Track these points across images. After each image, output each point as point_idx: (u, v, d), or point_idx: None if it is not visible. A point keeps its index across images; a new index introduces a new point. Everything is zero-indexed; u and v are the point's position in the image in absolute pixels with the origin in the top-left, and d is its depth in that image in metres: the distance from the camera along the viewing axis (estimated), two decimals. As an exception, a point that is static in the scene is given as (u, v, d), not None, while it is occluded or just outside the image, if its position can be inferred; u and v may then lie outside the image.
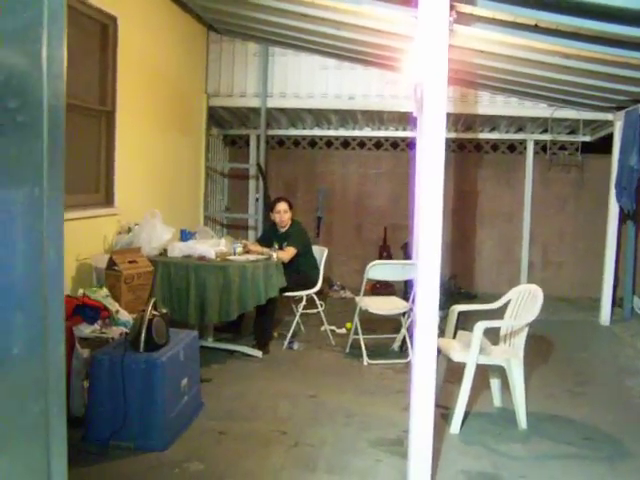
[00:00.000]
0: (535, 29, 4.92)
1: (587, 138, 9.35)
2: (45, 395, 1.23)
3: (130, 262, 5.53)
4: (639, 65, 5.42)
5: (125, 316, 5.01)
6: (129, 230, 6.18)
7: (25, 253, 1.18)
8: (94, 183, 6.14)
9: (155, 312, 4.33)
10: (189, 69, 8.22)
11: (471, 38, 5.68)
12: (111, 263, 5.44)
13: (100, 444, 4.05)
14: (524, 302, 4.89)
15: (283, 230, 6.93)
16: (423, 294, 3.40)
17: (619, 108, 7.79)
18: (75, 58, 5.56)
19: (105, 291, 5.14)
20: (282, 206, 6.90)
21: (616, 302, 8.59)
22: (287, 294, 6.61)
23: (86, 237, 5.69)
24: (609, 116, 8.25)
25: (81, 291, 4.97)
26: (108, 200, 6.23)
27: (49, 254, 1.20)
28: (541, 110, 8.55)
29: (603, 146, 8.86)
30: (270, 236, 7.02)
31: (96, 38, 6.01)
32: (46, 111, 1.18)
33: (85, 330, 4.66)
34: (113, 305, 5.02)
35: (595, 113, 8.34)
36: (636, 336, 7.37)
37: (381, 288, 9.10)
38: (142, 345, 4.14)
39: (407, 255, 8.77)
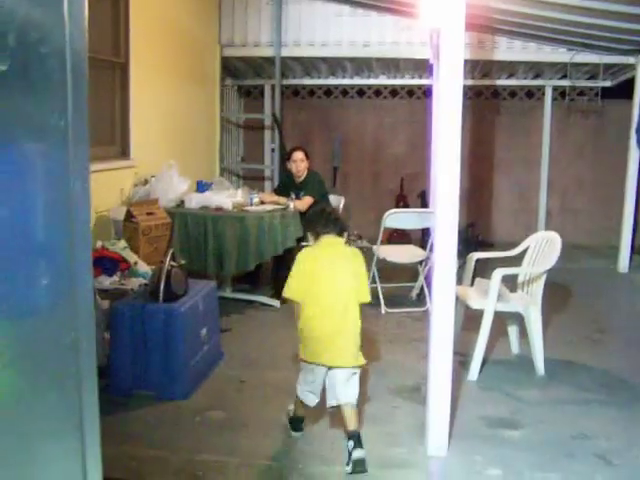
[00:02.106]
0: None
1: (607, 83, 9.17)
2: (76, 344, 1.24)
3: (148, 214, 5.54)
4: (662, 5, 5.31)
5: (144, 267, 5.05)
6: (146, 182, 6.19)
7: (51, 185, 1.18)
8: (109, 135, 6.13)
9: (173, 263, 4.35)
10: (202, 19, 8.13)
11: (489, -19, 5.57)
12: (129, 215, 5.46)
13: (123, 394, 4.12)
14: (542, 249, 4.87)
15: (300, 179, 6.89)
16: (441, 242, 3.39)
17: (640, 51, 7.64)
18: (88, 9, 5.51)
19: (123, 243, 5.17)
20: (299, 155, 6.86)
21: (635, 249, 8.54)
22: (304, 244, 6.60)
23: (103, 190, 5.70)
24: (631, 59, 8.07)
25: (100, 243, 5.00)
26: (124, 152, 6.23)
27: (74, 186, 1.20)
28: (560, 55, 8.39)
29: (624, 91, 8.71)
30: (287, 185, 6.99)
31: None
32: (69, 54, 1.17)
33: (105, 282, 4.71)
34: (132, 257, 5.05)
35: (616, 57, 8.16)
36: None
37: (398, 237, 9.06)
38: (161, 295, 4.17)
39: (424, 203, 8.74)
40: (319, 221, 3.62)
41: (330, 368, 3.41)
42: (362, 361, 3.46)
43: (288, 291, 3.63)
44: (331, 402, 3.44)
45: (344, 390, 3.40)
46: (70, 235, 1.21)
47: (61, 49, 1.16)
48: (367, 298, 3.58)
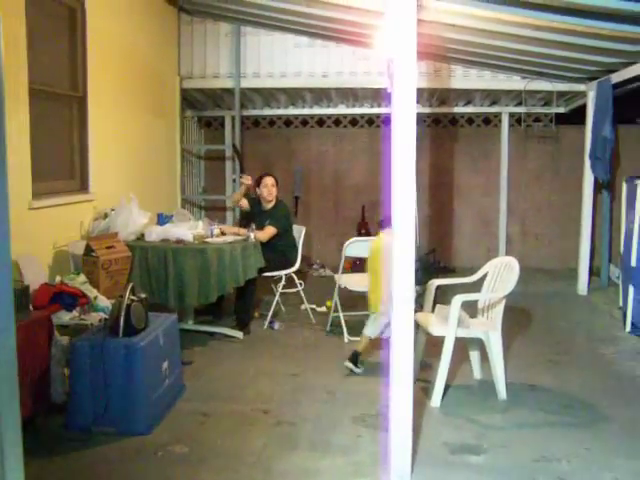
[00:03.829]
0: (504, 1, 4.93)
1: (561, 109, 9.39)
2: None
3: (107, 248, 5.50)
4: (609, 36, 5.46)
5: (104, 302, 5.00)
6: (105, 216, 6.14)
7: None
8: (68, 169, 6.09)
9: (133, 297, 4.32)
10: (161, 51, 8.14)
11: (441, 12, 5.69)
12: (88, 249, 5.41)
13: (83, 431, 4.06)
14: (501, 274, 4.93)
15: (268, 207, 6.89)
16: (398, 269, 3.42)
17: (591, 79, 7.82)
18: (43, 43, 5.50)
19: (83, 278, 5.11)
20: (270, 180, 6.88)
21: (593, 271, 8.68)
22: (266, 274, 6.61)
23: (62, 224, 5.65)
24: (582, 87, 8.28)
25: (58, 278, 4.95)
26: (83, 186, 6.19)
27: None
28: (515, 82, 8.55)
29: (577, 117, 8.91)
30: (252, 212, 6.97)
31: (64, 23, 5.94)
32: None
33: (64, 317, 4.66)
34: (91, 291, 5.00)
35: (568, 84, 8.36)
36: (612, 304, 7.46)
37: (361, 265, 9.11)
38: (121, 330, 4.14)
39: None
40: None
41: None
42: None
43: None
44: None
45: None
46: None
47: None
48: None
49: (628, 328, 6.53)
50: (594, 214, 8.41)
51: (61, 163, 6.01)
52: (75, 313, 4.74)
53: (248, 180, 6.90)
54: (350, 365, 5.27)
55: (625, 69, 6.66)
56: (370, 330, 5.26)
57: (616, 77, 7.01)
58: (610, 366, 5.56)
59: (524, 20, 5.44)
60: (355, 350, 5.31)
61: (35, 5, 5.22)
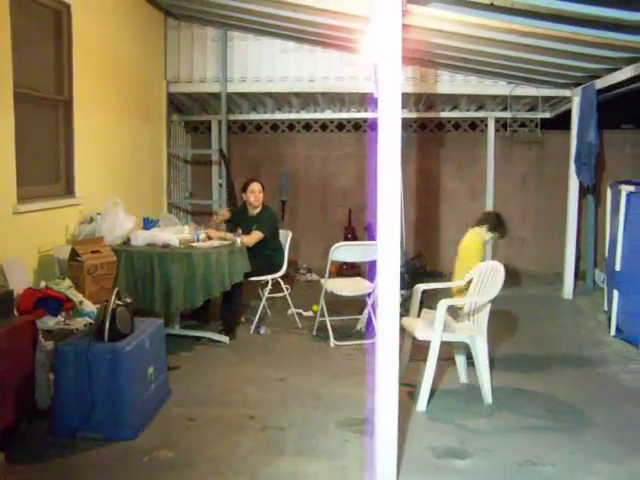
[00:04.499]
0: (491, 8, 4.96)
1: (546, 115, 9.45)
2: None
3: (93, 252, 5.48)
4: (593, 42, 5.50)
5: (89, 307, 4.98)
6: (91, 220, 6.12)
7: None
8: (54, 173, 6.07)
9: (119, 302, 4.30)
10: (147, 56, 8.13)
11: (428, 18, 5.70)
12: (74, 254, 5.39)
13: (68, 436, 4.03)
14: (486, 279, 4.95)
15: (254, 212, 6.90)
16: (384, 274, 3.43)
17: (576, 84, 7.88)
18: (29, 47, 5.48)
19: (68, 282, 5.10)
20: (257, 186, 6.90)
21: (578, 275, 8.72)
22: (252, 279, 6.60)
23: (47, 228, 5.63)
24: (567, 92, 8.33)
25: (43, 283, 4.93)
26: (69, 190, 6.16)
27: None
28: (500, 88, 8.60)
29: (562, 122, 8.97)
30: (239, 218, 6.98)
31: (50, 26, 5.92)
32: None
33: (49, 322, 4.63)
34: (77, 296, 4.98)
35: (553, 90, 8.42)
36: (597, 308, 7.50)
37: (347, 269, 9.14)
38: (106, 335, 4.12)
39: (370, 236, 8.82)
40: None
41: None
42: None
43: None
44: None
45: None
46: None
47: None
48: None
49: (613, 332, 6.57)
50: (579, 219, 8.47)
51: (46, 167, 5.99)
52: (60, 318, 4.71)
53: (225, 216, 6.87)
54: None
55: (609, 75, 6.72)
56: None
57: (600, 83, 7.06)
58: (595, 370, 5.59)
59: (510, 26, 5.47)
60: None
61: (20, 8, 5.20)
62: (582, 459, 3.91)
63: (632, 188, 6.34)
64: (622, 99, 7.64)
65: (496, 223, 5.64)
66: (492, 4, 4.83)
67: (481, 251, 5.57)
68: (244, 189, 6.96)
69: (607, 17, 4.73)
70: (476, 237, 5.58)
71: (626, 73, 6.25)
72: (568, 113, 8.46)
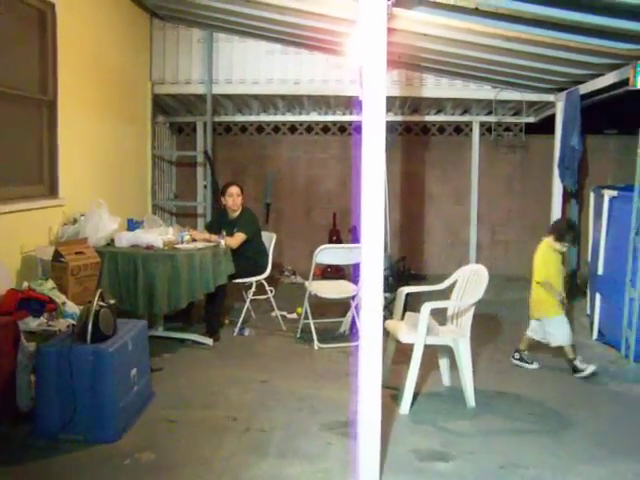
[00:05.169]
0: (475, 12, 4.98)
1: (531, 119, 9.51)
2: None
3: (76, 253, 5.45)
4: (577, 48, 5.54)
5: (72, 308, 4.94)
6: (75, 221, 6.09)
7: None
8: (37, 174, 6.03)
9: (102, 303, 4.28)
10: (133, 56, 8.10)
11: (413, 21, 5.73)
12: (57, 255, 5.36)
13: (49, 438, 4.01)
14: (470, 282, 4.97)
15: (234, 215, 6.91)
16: (367, 276, 3.43)
17: (560, 89, 7.94)
18: (12, 46, 5.45)
19: (51, 283, 5.06)
20: (235, 189, 6.90)
21: (562, 279, 8.75)
22: (236, 281, 6.60)
23: (30, 229, 5.59)
24: (551, 97, 8.39)
25: (26, 284, 4.89)
26: (52, 191, 6.13)
27: None
28: (485, 92, 8.65)
29: (546, 127, 9.02)
30: (219, 222, 6.99)
31: (34, 26, 5.88)
32: None
33: (31, 324, 4.59)
34: (59, 297, 4.95)
35: (537, 94, 8.47)
36: (580, 312, 7.53)
37: (332, 272, 9.15)
38: (89, 336, 4.10)
39: (355, 238, 8.82)
40: None
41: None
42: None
43: None
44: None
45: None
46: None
47: None
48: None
49: (595, 336, 6.61)
50: (562, 223, 8.49)
51: (30, 168, 5.95)
52: (43, 319, 4.67)
53: (195, 235, 6.72)
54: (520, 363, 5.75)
55: (592, 80, 6.77)
56: (562, 338, 5.57)
57: (584, 88, 7.12)
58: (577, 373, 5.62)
59: (494, 31, 5.51)
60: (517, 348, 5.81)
61: (3, 7, 5.17)
62: (565, 461, 3.93)
63: (615, 193, 6.38)
64: (605, 105, 7.70)
65: (563, 231, 5.64)
66: (477, 9, 4.86)
67: (549, 262, 5.67)
68: (223, 193, 6.98)
69: (590, 23, 4.78)
70: (545, 248, 5.67)
71: (609, 79, 6.32)
72: (552, 118, 8.52)
